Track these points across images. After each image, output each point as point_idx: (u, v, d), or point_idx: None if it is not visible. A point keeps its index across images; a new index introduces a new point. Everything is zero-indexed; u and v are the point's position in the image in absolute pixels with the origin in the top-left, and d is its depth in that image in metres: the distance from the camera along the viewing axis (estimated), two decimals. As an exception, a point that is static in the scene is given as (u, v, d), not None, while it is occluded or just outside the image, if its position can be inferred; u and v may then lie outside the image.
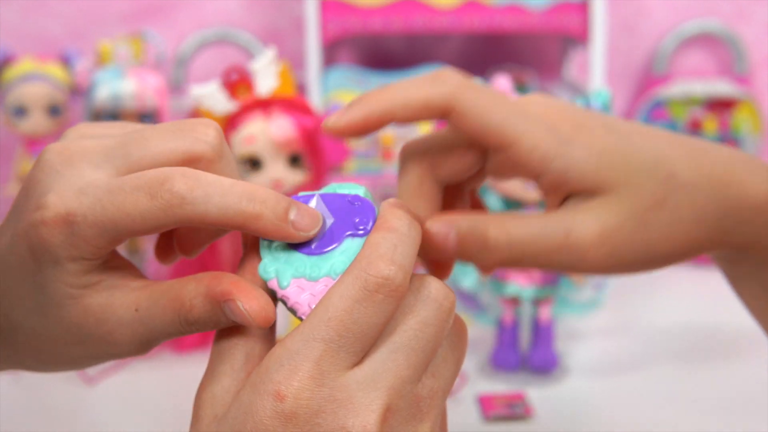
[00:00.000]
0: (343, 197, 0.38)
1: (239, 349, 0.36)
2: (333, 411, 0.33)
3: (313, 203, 0.38)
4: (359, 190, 0.38)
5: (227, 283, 0.36)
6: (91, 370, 0.75)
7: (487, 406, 0.69)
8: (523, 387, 0.73)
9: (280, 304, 0.38)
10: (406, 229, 0.36)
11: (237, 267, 0.39)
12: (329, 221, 0.37)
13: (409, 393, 0.35)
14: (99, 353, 0.39)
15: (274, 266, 0.37)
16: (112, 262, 0.38)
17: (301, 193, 0.39)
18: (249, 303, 0.35)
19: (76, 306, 0.37)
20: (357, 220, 0.37)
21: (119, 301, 0.38)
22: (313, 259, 0.37)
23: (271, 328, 0.38)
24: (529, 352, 0.75)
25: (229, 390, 0.36)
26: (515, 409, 0.68)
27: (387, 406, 0.34)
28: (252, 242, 0.39)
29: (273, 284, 0.37)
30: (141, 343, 0.38)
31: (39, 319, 0.38)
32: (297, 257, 0.37)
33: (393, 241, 0.35)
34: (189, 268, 0.72)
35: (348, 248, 0.37)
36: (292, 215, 0.36)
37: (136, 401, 0.73)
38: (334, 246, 0.37)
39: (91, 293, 0.37)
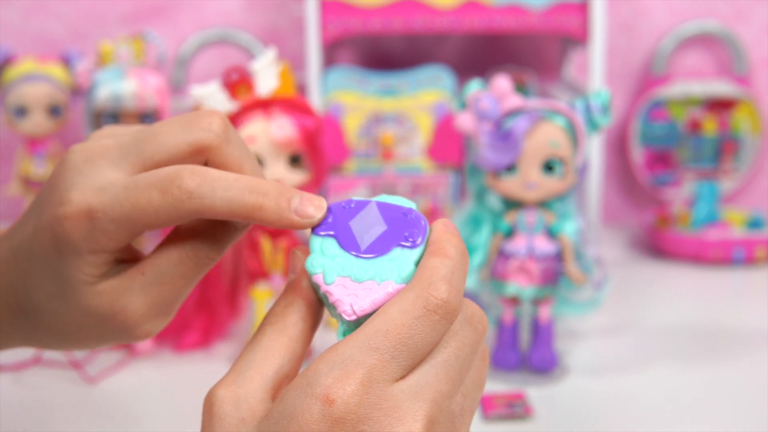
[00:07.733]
0: (399, 208, 0.39)
1: (272, 361, 0.38)
2: (378, 419, 0.34)
3: (369, 209, 0.39)
4: (412, 205, 0.40)
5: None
6: (92, 370, 0.75)
7: (487, 406, 0.69)
8: (522, 386, 0.73)
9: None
10: (460, 256, 0.38)
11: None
12: (382, 228, 0.39)
13: (447, 408, 0.36)
14: (117, 330, 0.42)
15: (322, 262, 0.38)
16: (127, 253, 0.42)
17: (355, 198, 0.40)
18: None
19: (92, 290, 0.40)
20: (407, 233, 0.39)
21: (129, 278, 0.41)
22: (361, 261, 0.38)
23: (304, 347, 0.39)
24: (529, 352, 0.75)
25: (255, 396, 0.36)
26: (515, 409, 0.68)
27: (430, 417, 0.35)
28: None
29: (318, 279, 0.38)
30: (155, 306, 0.41)
31: (59, 303, 0.41)
32: (345, 257, 0.38)
33: (450, 267, 0.37)
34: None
35: (395, 257, 0.38)
36: (294, 203, 0.39)
37: (137, 401, 0.73)
38: (383, 253, 0.38)
39: (105, 278, 0.41)
